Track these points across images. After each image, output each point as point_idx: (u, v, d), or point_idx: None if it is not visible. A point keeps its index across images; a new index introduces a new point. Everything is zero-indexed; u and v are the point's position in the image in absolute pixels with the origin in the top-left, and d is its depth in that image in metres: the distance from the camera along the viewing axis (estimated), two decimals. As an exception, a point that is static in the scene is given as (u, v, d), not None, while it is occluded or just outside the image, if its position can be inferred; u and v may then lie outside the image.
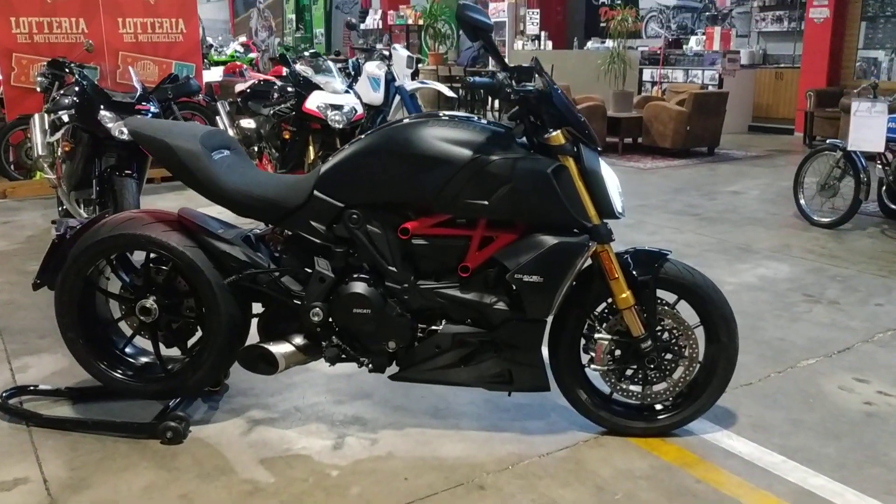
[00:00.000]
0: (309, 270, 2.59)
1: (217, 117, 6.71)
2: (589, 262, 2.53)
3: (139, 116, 2.66)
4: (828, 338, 3.62)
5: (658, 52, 12.57)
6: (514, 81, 2.35)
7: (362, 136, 2.56)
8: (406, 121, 2.49)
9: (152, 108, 4.85)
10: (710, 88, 10.95)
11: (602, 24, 11.65)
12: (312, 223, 2.55)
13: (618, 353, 2.61)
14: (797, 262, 4.87)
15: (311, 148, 5.52)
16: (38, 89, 6.70)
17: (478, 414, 2.88)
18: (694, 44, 12.21)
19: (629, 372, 2.63)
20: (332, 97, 5.44)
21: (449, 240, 2.49)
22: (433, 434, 2.72)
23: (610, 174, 2.50)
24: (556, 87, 2.43)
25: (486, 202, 2.39)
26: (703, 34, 12.32)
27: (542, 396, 2.95)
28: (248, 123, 6.30)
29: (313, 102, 5.40)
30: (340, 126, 5.41)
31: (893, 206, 5.40)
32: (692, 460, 2.55)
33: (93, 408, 2.88)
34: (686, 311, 2.63)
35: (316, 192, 2.54)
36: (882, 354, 3.43)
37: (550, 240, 2.41)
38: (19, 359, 3.37)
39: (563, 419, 2.81)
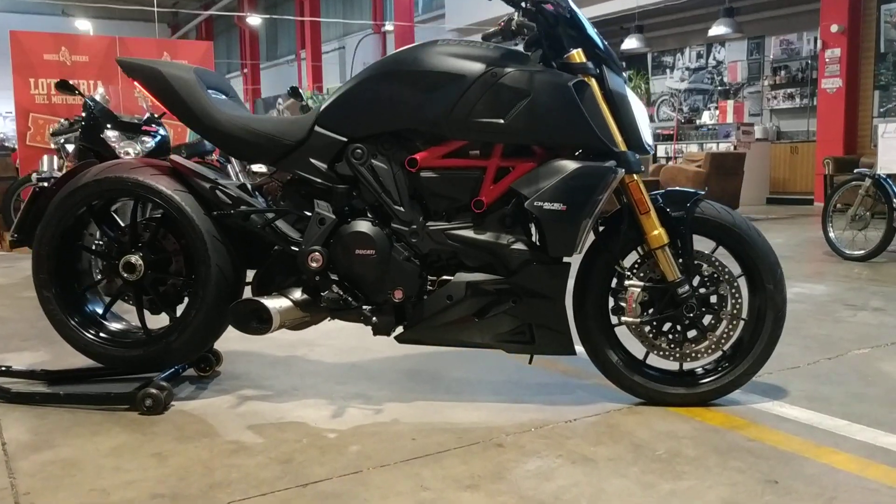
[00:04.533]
0: (309, 215, 2.36)
1: (228, 165, 6.65)
2: (616, 205, 2.29)
3: (131, 56, 2.50)
4: (877, 333, 3.29)
5: (671, 132, 12.60)
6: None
7: (365, 68, 2.38)
8: (413, 44, 2.32)
9: (161, 131, 4.76)
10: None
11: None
12: (313, 161, 2.34)
13: (651, 307, 2.32)
14: (834, 284, 4.57)
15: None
16: (53, 146, 6.73)
17: (495, 388, 2.56)
18: (707, 118, 12.25)
19: (665, 326, 2.34)
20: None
21: (461, 171, 2.27)
22: (445, 406, 2.41)
23: (637, 103, 2.29)
24: (578, 11, 2.26)
25: (501, 121, 2.17)
26: (716, 108, 12.37)
27: (567, 377, 2.65)
28: (259, 168, 6.20)
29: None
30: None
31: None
32: (741, 423, 2.22)
33: (69, 388, 2.60)
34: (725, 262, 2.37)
35: (317, 128, 2.35)
36: (942, 346, 3.10)
37: (573, 164, 2.18)
38: (-2, 355, 3.12)
39: (592, 394, 2.50)
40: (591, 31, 2.26)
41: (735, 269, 2.38)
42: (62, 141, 5.17)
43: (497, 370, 2.77)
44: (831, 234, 5.59)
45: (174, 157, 2.48)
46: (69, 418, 2.33)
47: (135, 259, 2.46)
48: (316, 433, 2.18)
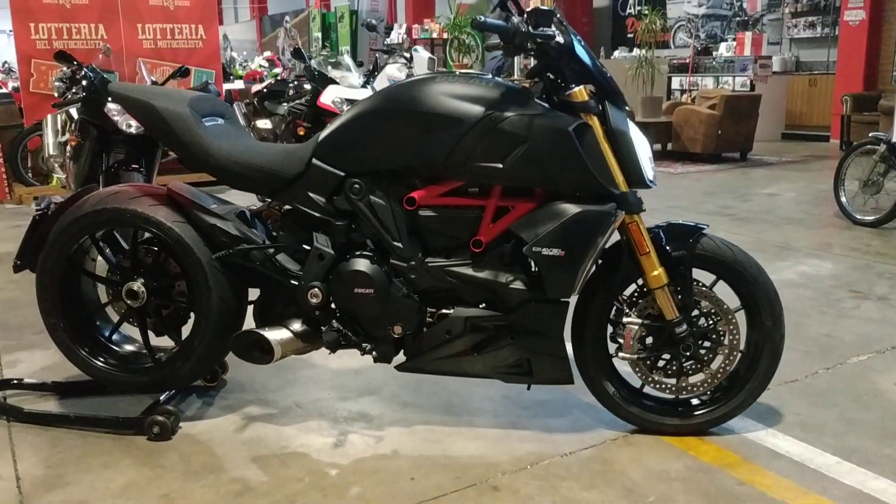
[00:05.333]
0: (308, 248, 2.36)
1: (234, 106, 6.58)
2: (616, 236, 2.27)
3: (124, 82, 2.45)
4: (879, 334, 3.30)
5: (687, 61, 12.28)
6: (530, 26, 2.11)
7: (363, 100, 2.33)
8: (412, 78, 2.27)
9: (162, 102, 4.69)
10: (742, 93, 10.62)
11: (629, 35, 11.42)
12: (311, 195, 2.33)
13: (649, 339, 2.34)
14: (840, 259, 4.55)
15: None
16: (56, 94, 6.63)
17: (494, 411, 2.61)
18: (724, 50, 11.90)
19: (662, 361, 2.36)
20: (347, 91, 5.26)
21: (460, 210, 2.25)
22: (444, 432, 2.47)
23: (640, 137, 2.25)
24: (577, 37, 2.19)
25: (500, 165, 2.14)
26: (734, 40, 12.00)
27: (564, 394, 2.69)
28: (264, 124, 6.15)
29: (328, 97, 5.21)
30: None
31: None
32: (734, 461, 2.26)
33: (79, 403, 2.67)
34: (724, 294, 2.36)
35: (314, 161, 2.32)
36: (942, 351, 3.11)
37: (573, 208, 2.16)
38: (11, 354, 3.19)
39: (589, 417, 2.54)
40: (594, 65, 2.19)
41: (733, 300, 2.37)
42: (70, 110, 5.10)
43: (496, 383, 2.81)
44: (843, 199, 5.52)
45: (172, 185, 2.46)
46: (80, 445, 2.40)
47: (137, 286, 2.48)
48: (318, 470, 2.24)
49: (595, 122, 2.17)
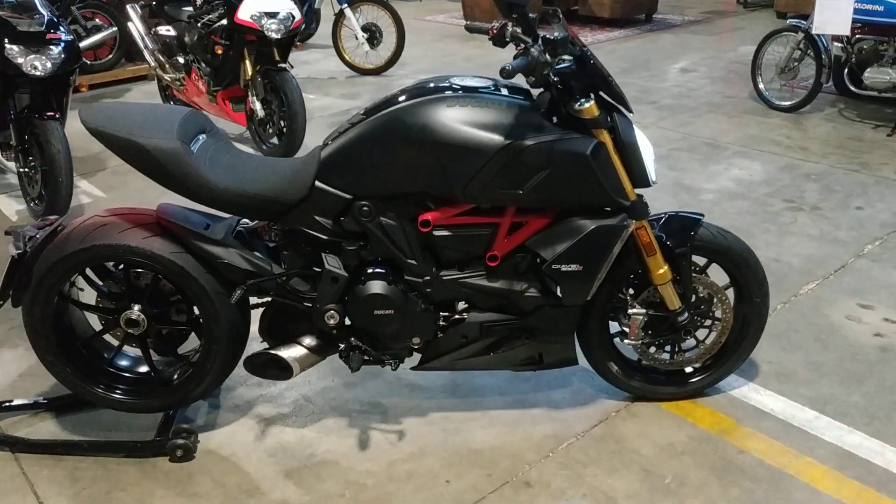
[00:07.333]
0: (317, 269, 2.33)
1: (129, 23, 6.01)
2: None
3: (91, 105, 2.25)
4: (820, 255, 3.60)
5: None
6: (548, 55, 2.05)
7: (365, 116, 2.23)
8: (416, 99, 2.17)
9: (64, 37, 4.27)
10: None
11: None
12: (317, 218, 2.26)
13: (652, 326, 2.49)
14: (767, 158, 4.81)
15: (247, 62, 4.99)
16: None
17: (499, 387, 2.75)
18: None
19: (662, 341, 2.54)
20: (265, 4, 4.87)
21: (475, 228, 2.26)
22: (459, 419, 2.60)
23: (644, 142, 2.28)
24: (587, 50, 2.15)
25: (519, 191, 2.15)
26: None
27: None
28: (167, 31, 5.64)
29: (246, 12, 4.82)
30: (278, 36, 4.87)
31: (853, 88, 5.34)
32: (729, 426, 2.52)
33: (81, 421, 2.62)
34: (711, 270, 2.53)
35: (318, 184, 2.24)
36: (877, 272, 3.44)
37: (588, 224, 2.21)
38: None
39: (587, 384, 2.73)
40: (603, 77, 2.17)
41: (721, 277, 2.53)
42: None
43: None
44: (761, 86, 5.73)
45: (160, 211, 2.33)
46: (104, 477, 2.39)
47: (136, 315, 2.40)
48: (355, 481, 2.35)
49: (607, 138, 2.18)
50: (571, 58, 2.07)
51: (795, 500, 2.22)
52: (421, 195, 2.23)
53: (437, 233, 2.25)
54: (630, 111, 2.25)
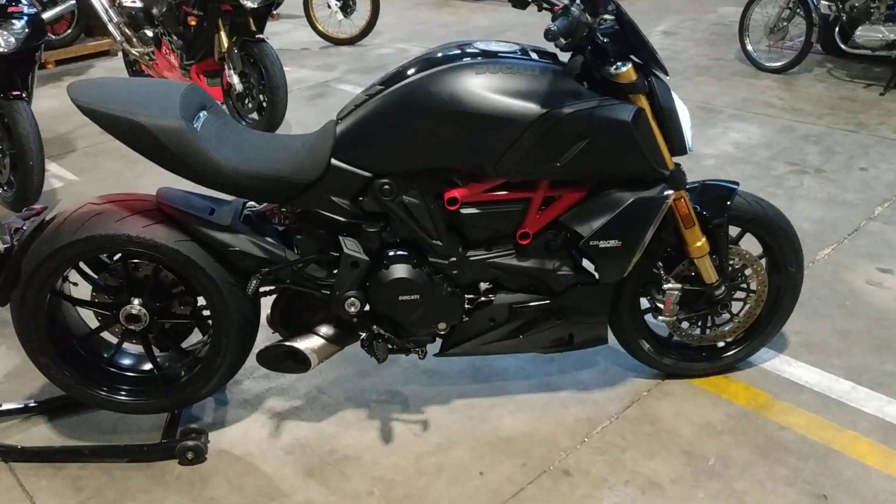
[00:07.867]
0: (334, 253, 2.16)
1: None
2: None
3: (81, 80, 2.04)
4: (832, 218, 3.52)
5: None
6: (588, 15, 1.89)
7: (383, 87, 2.06)
8: (442, 66, 2.00)
9: (27, 10, 3.99)
10: None
11: None
12: (334, 199, 2.09)
13: (687, 301, 2.37)
14: (764, 120, 4.72)
15: (222, 34, 4.73)
16: None
17: (521, 369, 2.63)
18: None
19: (696, 317, 2.42)
20: (242, -30, 4.60)
21: (505, 205, 2.10)
22: (484, 405, 2.47)
23: (682, 106, 2.14)
24: (622, 7, 1.99)
25: (556, 164, 1.99)
26: None
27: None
28: (132, 2, 5.34)
29: (220, -20, 4.56)
30: (255, 4, 4.62)
31: (843, 46, 5.26)
32: (765, 401, 2.42)
33: (77, 424, 2.43)
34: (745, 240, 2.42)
35: (334, 161, 2.06)
36: (891, 234, 3.37)
37: (627, 196, 2.07)
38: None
39: (613, 363, 2.61)
40: (641, 37, 2.02)
41: (755, 247, 2.43)
42: None
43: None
44: (749, 47, 5.62)
45: (160, 196, 2.13)
46: (109, 485, 2.22)
47: (137, 309, 2.21)
48: (382, 477, 2.21)
49: (645, 104, 2.03)
50: (613, 17, 1.92)
51: (845, 478, 2.13)
52: (446, 171, 2.07)
53: (464, 211, 2.09)
54: (667, 74, 2.11)
